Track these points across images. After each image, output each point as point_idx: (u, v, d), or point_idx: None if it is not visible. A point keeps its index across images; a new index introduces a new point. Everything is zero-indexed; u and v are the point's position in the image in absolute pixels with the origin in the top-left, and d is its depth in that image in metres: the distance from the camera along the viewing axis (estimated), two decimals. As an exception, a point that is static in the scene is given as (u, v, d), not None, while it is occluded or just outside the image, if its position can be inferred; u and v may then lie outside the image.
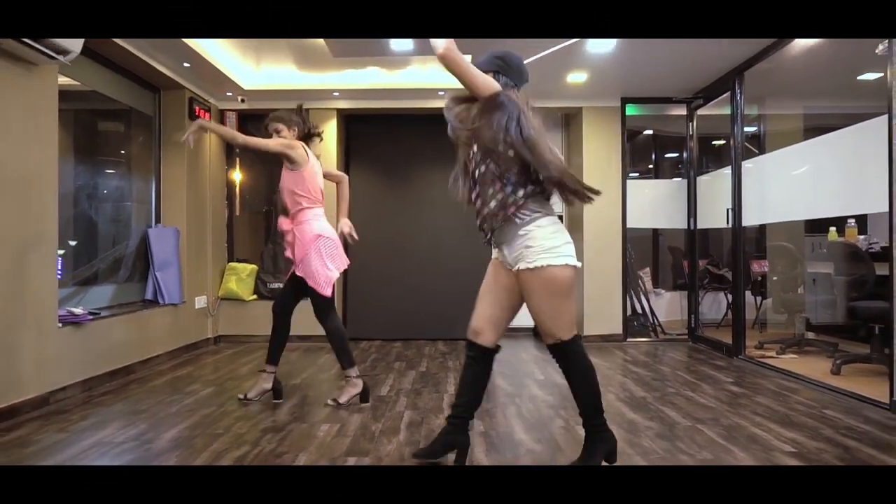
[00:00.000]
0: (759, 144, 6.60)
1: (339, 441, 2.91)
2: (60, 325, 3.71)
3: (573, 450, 2.74)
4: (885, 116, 3.35)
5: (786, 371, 4.42)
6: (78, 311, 3.93)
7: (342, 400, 3.55)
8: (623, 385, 4.12)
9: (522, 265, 2.32)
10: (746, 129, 6.60)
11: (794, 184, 4.46)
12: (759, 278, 6.28)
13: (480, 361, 2.51)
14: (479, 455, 2.70)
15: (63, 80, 3.91)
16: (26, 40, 3.12)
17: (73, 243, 4.56)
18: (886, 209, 3.32)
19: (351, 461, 2.61)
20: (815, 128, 5.64)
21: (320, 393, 3.92)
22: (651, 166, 7.48)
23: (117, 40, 4.19)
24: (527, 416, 3.34)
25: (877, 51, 3.52)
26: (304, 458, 2.66)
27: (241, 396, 3.69)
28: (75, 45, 3.40)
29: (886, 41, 3.35)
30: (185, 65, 4.95)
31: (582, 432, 2.99)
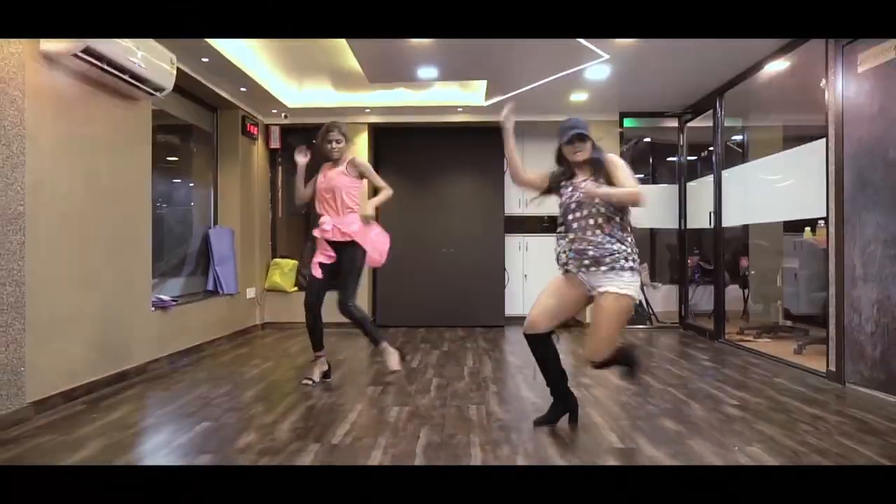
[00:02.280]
0: (743, 151, 7.33)
1: (384, 397, 3.73)
2: (153, 309, 4.57)
3: (566, 403, 3.54)
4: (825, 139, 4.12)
5: (756, 351, 5.18)
6: (165, 297, 4.80)
7: (316, 378, 4.06)
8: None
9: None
10: (734, 137, 7.37)
11: (764, 190, 5.21)
12: (747, 273, 7.04)
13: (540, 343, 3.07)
14: (494, 407, 3.50)
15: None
16: (135, 81, 3.96)
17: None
18: (824, 214, 4.09)
19: (395, 409, 3.43)
20: (794, 137, 6.38)
21: (362, 366, 4.76)
22: (651, 172, 8.23)
23: (188, 70, 5.01)
24: (531, 381, 4.14)
25: (821, 84, 4.28)
26: (360, 406, 3.49)
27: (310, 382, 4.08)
28: (169, 83, 4.24)
29: (825, 78, 4.11)
30: (242, 89, 5.79)
31: (575, 392, 3.79)
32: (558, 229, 3.06)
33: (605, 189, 2.83)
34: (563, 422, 3.14)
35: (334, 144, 4.02)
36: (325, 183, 4.03)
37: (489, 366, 4.73)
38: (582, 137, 2.93)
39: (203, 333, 5.42)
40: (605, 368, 3.13)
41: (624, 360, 3.05)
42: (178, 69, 4.74)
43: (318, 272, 4.06)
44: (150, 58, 3.98)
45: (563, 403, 3.10)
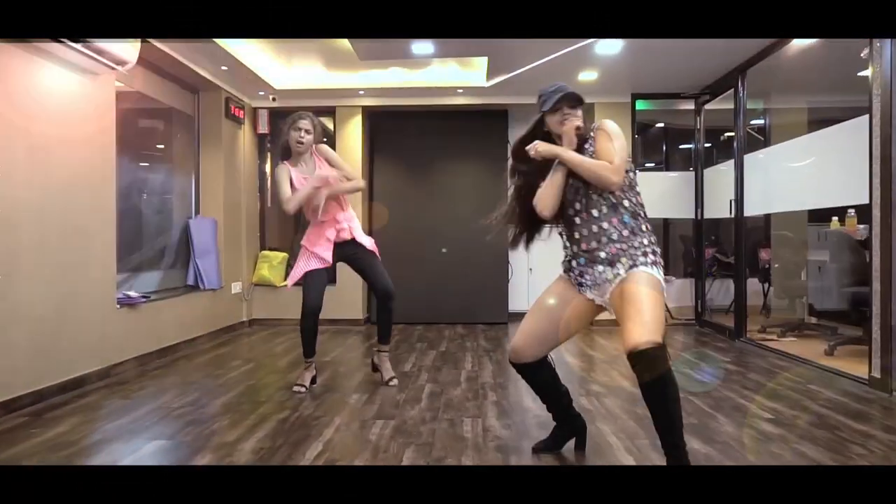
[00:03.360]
0: (765, 136, 6.85)
1: (368, 407, 3.30)
2: (118, 306, 4.14)
3: (575, 415, 3.11)
4: (867, 115, 3.64)
5: (782, 352, 4.72)
6: (133, 294, 4.37)
7: (307, 383, 3.67)
8: (628, 365, 4.45)
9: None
10: (754, 121, 6.89)
11: (792, 176, 4.74)
12: (767, 266, 6.56)
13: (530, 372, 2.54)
14: (492, 420, 3.07)
15: (115, 84, 4.33)
16: (91, 53, 3.53)
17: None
18: (867, 201, 3.62)
19: (378, 424, 3.00)
20: (820, 120, 5.90)
21: (351, 368, 4.33)
22: (662, 159, 7.76)
23: (162, 47, 4.58)
24: (536, 389, 3.70)
25: (862, 54, 3.80)
26: (339, 420, 3.06)
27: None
28: (132, 56, 3.81)
29: (867, 47, 3.64)
30: (223, 68, 5.35)
31: (584, 402, 3.36)
32: (560, 230, 2.47)
33: (552, 148, 2.24)
34: (569, 441, 2.71)
35: (303, 135, 3.55)
36: (313, 185, 3.56)
37: (489, 369, 4.29)
38: (571, 101, 2.27)
39: (180, 332, 5.00)
40: (655, 373, 2.13)
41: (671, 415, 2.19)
42: (150, 44, 4.36)
43: (321, 267, 3.67)
44: (108, 26, 3.54)
45: (569, 427, 2.62)
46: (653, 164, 7.74)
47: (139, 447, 2.67)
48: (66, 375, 3.57)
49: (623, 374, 4.08)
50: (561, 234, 2.47)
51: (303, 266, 3.66)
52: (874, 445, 2.63)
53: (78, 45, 3.39)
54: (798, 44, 4.64)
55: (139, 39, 3.84)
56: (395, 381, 3.80)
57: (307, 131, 3.57)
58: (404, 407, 3.31)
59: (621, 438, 2.75)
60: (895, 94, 3.41)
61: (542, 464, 2.48)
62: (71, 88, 3.65)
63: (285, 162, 3.66)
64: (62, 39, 3.25)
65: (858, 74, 5.67)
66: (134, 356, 4.29)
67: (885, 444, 2.64)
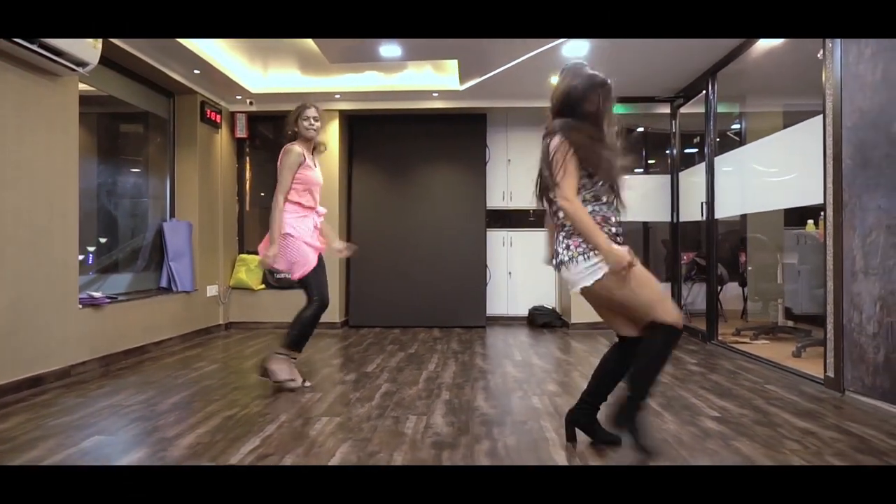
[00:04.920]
0: (741, 140, 6.85)
1: (318, 405, 3.30)
2: (80, 306, 4.16)
3: (523, 414, 3.11)
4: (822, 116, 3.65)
5: (750, 354, 4.71)
6: (97, 294, 4.39)
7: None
8: (593, 365, 4.44)
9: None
10: (733, 126, 6.89)
11: (760, 177, 4.73)
12: (745, 270, 6.55)
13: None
14: (437, 418, 3.07)
15: (84, 86, 4.36)
16: (49, 54, 3.56)
17: (103, 240, 5.07)
18: (821, 201, 3.62)
19: (323, 421, 3.00)
20: (795, 123, 5.90)
21: (313, 369, 4.33)
22: (644, 163, 7.75)
23: (132, 50, 4.62)
24: (492, 388, 3.70)
25: (818, 55, 3.81)
26: (284, 417, 3.06)
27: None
28: (93, 57, 3.84)
29: (822, 48, 3.65)
30: (196, 71, 5.38)
31: (536, 402, 3.36)
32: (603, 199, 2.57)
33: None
34: (509, 438, 2.71)
35: (312, 122, 3.74)
36: (316, 174, 3.79)
37: (451, 370, 4.29)
38: None
39: (149, 333, 5.01)
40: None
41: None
42: (119, 47, 4.42)
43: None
44: (66, 27, 3.57)
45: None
46: (641, 170, 7.73)
47: (78, 442, 2.68)
48: (22, 374, 3.59)
49: (584, 376, 4.07)
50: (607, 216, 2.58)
51: (305, 257, 3.65)
52: (810, 442, 2.62)
53: (33, 46, 3.43)
54: (765, 45, 4.66)
55: (99, 40, 3.87)
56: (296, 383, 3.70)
57: (315, 118, 3.76)
58: (355, 405, 3.31)
59: (560, 435, 2.74)
60: (845, 94, 3.42)
61: (478, 452, 2.47)
62: (31, 89, 3.68)
63: (296, 143, 3.73)
64: (15, 40, 3.28)
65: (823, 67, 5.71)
66: (97, 356, 4.30)
67: (822, 441, 2.63)
